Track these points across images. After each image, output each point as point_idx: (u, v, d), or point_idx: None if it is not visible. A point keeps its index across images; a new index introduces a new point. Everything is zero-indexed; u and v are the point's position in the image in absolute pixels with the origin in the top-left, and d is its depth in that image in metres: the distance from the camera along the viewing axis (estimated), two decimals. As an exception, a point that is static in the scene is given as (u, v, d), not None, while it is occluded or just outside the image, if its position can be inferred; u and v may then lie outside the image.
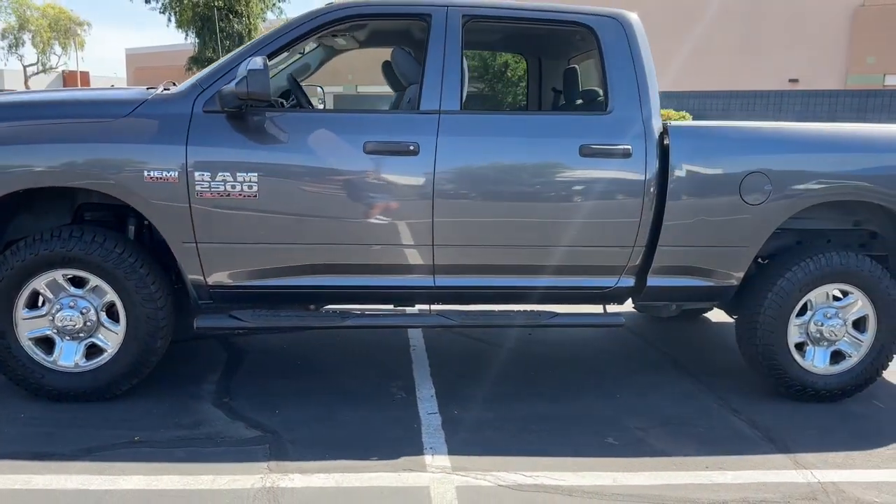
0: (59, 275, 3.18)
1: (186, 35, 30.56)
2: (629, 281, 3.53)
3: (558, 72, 4.58)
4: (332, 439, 3.02)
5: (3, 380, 3.29)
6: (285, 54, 3.69)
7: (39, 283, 3.18)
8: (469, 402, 3.47)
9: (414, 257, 3.34)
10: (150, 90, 3.40)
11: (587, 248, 3.43)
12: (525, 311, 3.52)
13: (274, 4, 30.70)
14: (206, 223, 3.19)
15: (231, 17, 28.88)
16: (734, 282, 3.55)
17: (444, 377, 3.79)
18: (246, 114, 3.18)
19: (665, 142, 3.39)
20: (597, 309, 3.70)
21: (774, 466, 2.96)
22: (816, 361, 3.65)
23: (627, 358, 4.32)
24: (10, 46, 63.38)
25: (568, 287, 3.49)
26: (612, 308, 3.72)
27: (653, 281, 3.51)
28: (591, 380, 3.89)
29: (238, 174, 3.14)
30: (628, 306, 3.81)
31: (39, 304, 3.25)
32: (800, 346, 3.64)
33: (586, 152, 3.31)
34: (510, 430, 3.20)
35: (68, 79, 66.32)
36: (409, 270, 3.37)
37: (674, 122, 3.50)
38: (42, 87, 63.82)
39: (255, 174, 3.16)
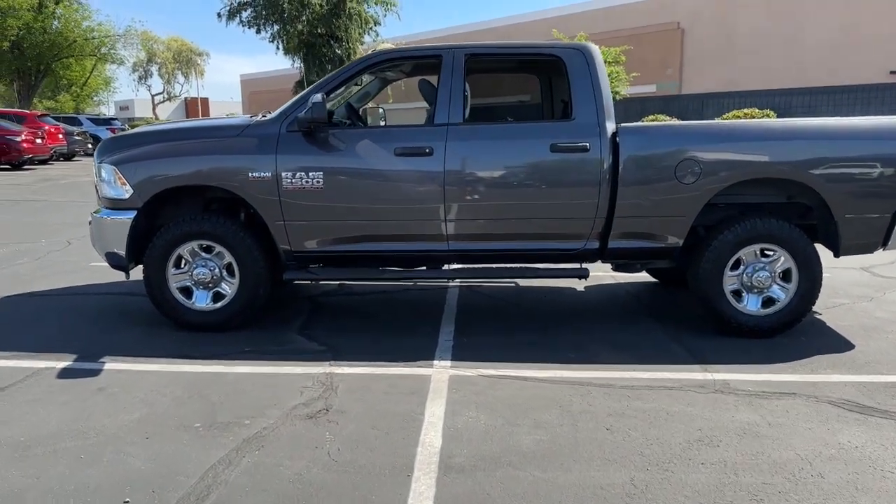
0: (195, 245, 4.77)
1: (293, 61, 33.33)
2: (594, 244, 4.74)
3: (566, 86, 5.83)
4: (373, 352, 4.42)
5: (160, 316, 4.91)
6: (343, 88, 5.15)
7: (183, 250, 4.78)
8: (478, 335, 4.78)
9: (432, 228, 4.70)
10: (252, 118, 4.97)
11: (560, 219, 4.67)
12: (515, 267, 4.81)
13: (371, 28, 32.89)
14: (290, 208, 4.67)
15: (332, 42, 31.35)
16: (677, 243, 4.68)
17: (464, 321, 5.12)
18: (315, 131, 4.66)
19: (617, 139, 4.59)
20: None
21: (686, 372, 4.09)
22: (749, 305, 4.71)
23: (613, 309, 5.50)
24: (139, 78, 69.90)
25: (547, 249, 4.75)
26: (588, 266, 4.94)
27: (612, 244, 4.71)
28: (578, 322, 5.10)
29: (310, 173, 4.62)
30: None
31: (182, 265, 4.85)
32: (738, 294, 4.72)
33: (555, 149, 4.57)
34: (501, 348, 4.48)
35: (190, 105, 72.26)
36: (429, 238, 4.73)
37: (623, 125, 4.69)
38: (168, 114, 70.02)
39: (321, 173, 4.62)
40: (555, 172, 4.62)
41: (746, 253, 4.67)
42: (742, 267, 4.70)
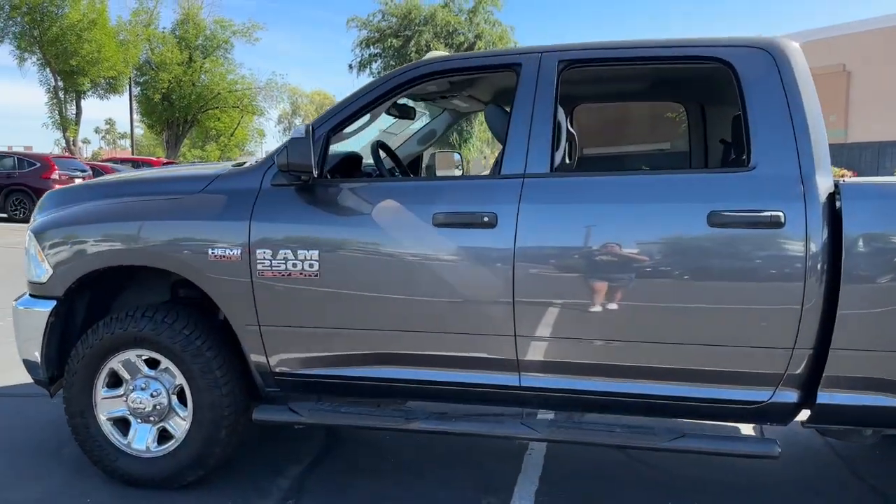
0: (133, 355, 3.11)
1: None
2: (790, 395, 2.60)
3: (726, 120, 3.77)
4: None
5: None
6: (369, 117, 3.37)
7: (116, 362, 3.13)
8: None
9: (493, 350, 2.76)
10: (235, 165, 3.30)
11: (726, 347, 2.59)
12: (639, 429, 2.73)
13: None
14: (269, 305, 2.92)
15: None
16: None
17: (554, 489, 3.08)
18: (314, 186, 2.91)
19: (836, 205, 2.48)
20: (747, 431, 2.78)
21: None
22: None
23: (814, 491, 3.23)
24: (283, 130, 73.41)
25: (700, 399, 2.66)
26: (772, 431, 2.77)
27: (826, 397, 2.55)
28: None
29: (299, 251, 2.85)
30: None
31: (120, 384, 3.20)
32: None
33: (717, 221, 2.52)
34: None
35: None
36: (487, 365, 2.79)
37: (848, 181, 2.57)
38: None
39: (317, 251, 2.84)
40: (716, 263, 2.57)
41: None
42: None
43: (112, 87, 32.28)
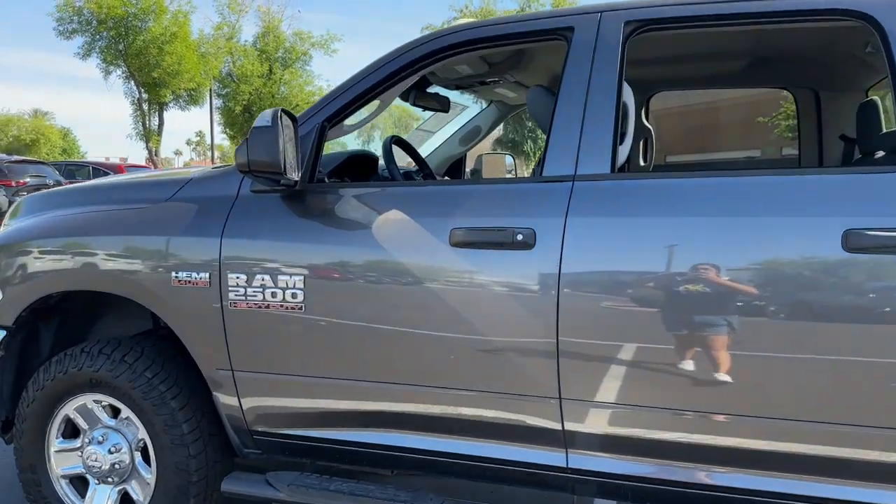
0: (90, 400, 2.52)
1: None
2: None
3: (848, 110, 2.91)
4: None
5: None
6: (378, 104, 2.67)
7: (71, 408, 2.55)
8: None
9: (530, 416, 2.02)
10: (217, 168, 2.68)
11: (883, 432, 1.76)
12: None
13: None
14: (243, 344, 2.28)
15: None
16: None
17: None
18: (304, 192, 2.25)
19: None
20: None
21: None
22: None
23: None
24: (363, 143, 74.35)
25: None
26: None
27: None
28: None
29: (280, 277, 2.19)
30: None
31: (78, 433, 2.62)
32: None
33: (856, 245, 1.70)
34: None
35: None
36: (522, 436, 2.05)
37: None
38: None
39: (301, 277, 2.17)
40: (857, 300, 1.74)
41: None
42: None
43: (193, 99, 33.04)
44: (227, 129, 41.63)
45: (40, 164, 18.27)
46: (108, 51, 28.61)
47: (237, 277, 2.24)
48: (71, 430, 2.60)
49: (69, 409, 2.54)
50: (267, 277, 2.21)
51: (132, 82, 29.95)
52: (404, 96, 2.97)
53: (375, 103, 2.49)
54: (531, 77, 3.06)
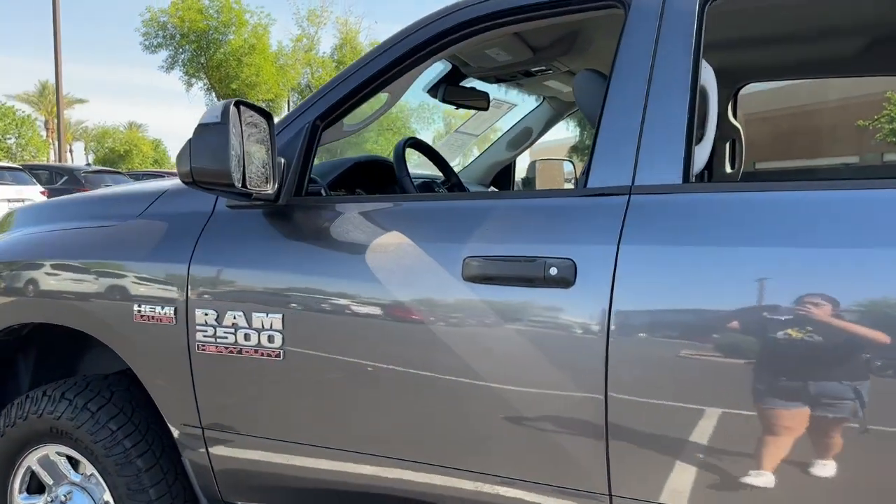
0: (53, 451, 2.14)
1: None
2: None
3: None
4: None
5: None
6: (386, 92, 2.17)
7: (34, 459, 2.18)
8: None
9: (575, 482, 1.48)
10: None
11: None
12: None
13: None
14: (213, 396, 1.84)
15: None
16: None
17: None
18: (291, 208, 1.80)
19: None
20: None
21: None
22: None
23: None
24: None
25: None
26: None
27: None
28: None
29: (255, 315, 1.74)
30: None
31: (43, 488, 2.25)
32: None
33: None
34: None
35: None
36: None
37: None
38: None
39: (279, 315, 1.71)
40: None
41: None
42: None
43: (271, 110, 33.74)
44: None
45: (117, 173, 18.81)
46: (191, 64, 29.54)
47: (206, 314, 1.80)
48: (37, 486, 2.23)
49: (32, 460, 2.17)
50: (239, 315, 1.76)
51: (213, 94, 30.82)
52: (433, 92, 2.49)
53: (383, 97, 2.00)
54: (588, 65, 2.52)
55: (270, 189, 1.66)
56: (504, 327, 1.48)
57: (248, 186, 1.57)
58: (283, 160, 1.78)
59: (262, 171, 1.63)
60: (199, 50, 28.98)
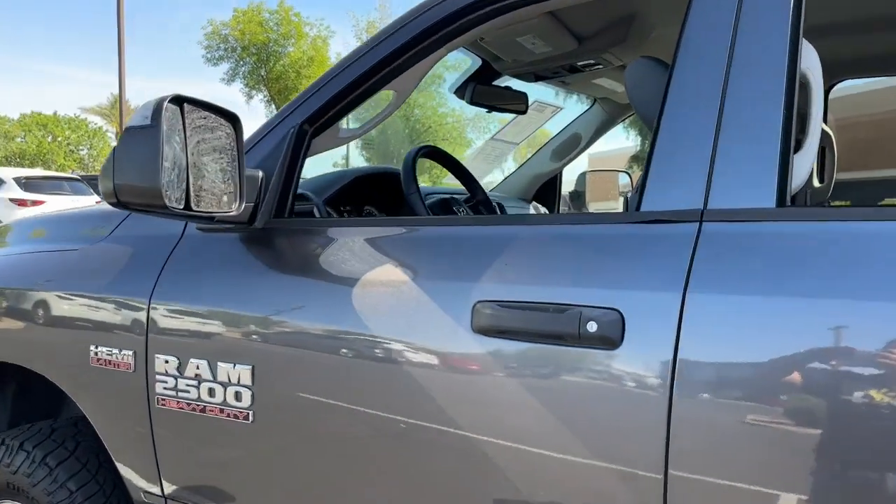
0: (11, 509, 1.86)
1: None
2: None
3: None
4: None
5: None
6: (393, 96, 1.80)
7: (-9, 515, 1.90)
8: None
9: None
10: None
11: None
12: None
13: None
14: (175, 460, 1.51)
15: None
16: None
17: None
18: (271, 232, 1.46)
19: None
20: None
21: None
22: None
23: None
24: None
25: None
26: None
27: None
28: None
29: (220, 364, 1.40)
30: None
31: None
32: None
33: None
34: None
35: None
36: None
37: None
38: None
39: (248, 367, 1.37)
40: None
41: None
42: None
43: (332, 123, 34.05)
44: (363, 152, 42.69)
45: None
46: (251, 76, 30.05)
47: (166, 361, 1.47)
48: (-1, 544, 1.95)
49: (-11, 516, 1.89)
50: (203, 365, 1.42)
51: (273, 105, 31.25)
52: (459, 92, 2.12)
53: (388, 95, 1.65)
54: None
55: (235, 210, 1.32)
56: (524, 400, 1.10)
57: (197, 207, 1.23)
58: (261, 173, 1.44)
59: (222, 188, 1.29)
60: (259, 62, 29.47)
